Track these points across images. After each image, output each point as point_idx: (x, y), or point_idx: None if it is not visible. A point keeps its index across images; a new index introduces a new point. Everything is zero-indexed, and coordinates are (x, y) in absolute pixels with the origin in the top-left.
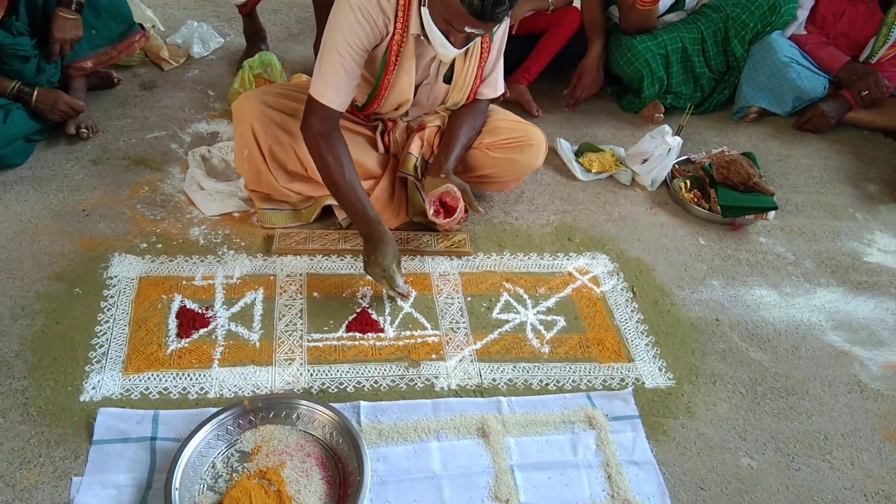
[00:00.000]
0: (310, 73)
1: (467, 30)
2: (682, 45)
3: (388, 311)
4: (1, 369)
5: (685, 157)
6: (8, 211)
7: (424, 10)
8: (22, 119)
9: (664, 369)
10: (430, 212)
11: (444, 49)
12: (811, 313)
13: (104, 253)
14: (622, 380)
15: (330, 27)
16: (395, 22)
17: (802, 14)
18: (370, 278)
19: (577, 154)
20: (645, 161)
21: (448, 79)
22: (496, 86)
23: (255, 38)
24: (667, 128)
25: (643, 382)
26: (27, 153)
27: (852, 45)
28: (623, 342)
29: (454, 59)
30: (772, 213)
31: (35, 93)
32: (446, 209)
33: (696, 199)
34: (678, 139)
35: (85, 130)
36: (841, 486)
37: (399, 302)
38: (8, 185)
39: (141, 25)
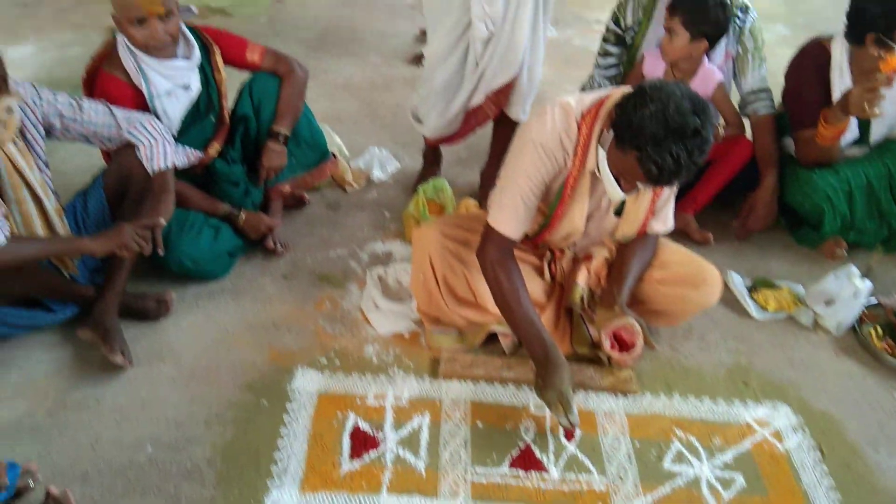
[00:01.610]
0: (475, 197)
1: (639, 185)
2: (868, 180)
3: (552, 449)
4: (194, 476)
5: (873, 299)
6: (210, 320)
7: (601, 150)
8: (229, 236)
9: None
10: (607, 345)
11: (613, 189)
12: None
13: (289, 365)
14: None
15: (512, 161)
16: (574, 157)
17: None
18: (534, 410)
19: (751, 289)
20: (829, 303)
21: (619, 212)
22: (667, 220)
23: (432, 164)
24: (853, 268)
25: None
26: (230, 266)
27: None
28: None
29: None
30: None
31: (243, 215)
32: (621, 343)
33: (889, 349)
34: (868, 283)
35: (280, 246)
36: None
37: (562, 440)
38: (212, 295)
39: (334, 154)
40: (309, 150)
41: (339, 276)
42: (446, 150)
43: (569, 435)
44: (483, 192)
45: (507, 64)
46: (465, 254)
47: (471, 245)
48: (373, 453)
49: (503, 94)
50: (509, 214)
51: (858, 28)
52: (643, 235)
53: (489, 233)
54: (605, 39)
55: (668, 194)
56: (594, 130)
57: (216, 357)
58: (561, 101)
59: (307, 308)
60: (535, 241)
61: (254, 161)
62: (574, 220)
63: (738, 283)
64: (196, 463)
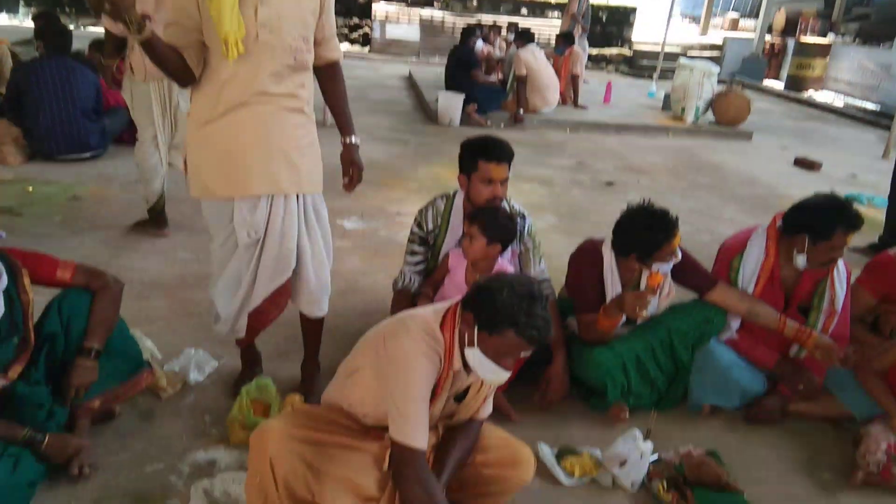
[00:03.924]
0: (300, 391)
1: (522, 355)
2: (636, 354)
3: None
4: None
5: (655, 455)
6: None
7: (471, 351)
8: (30, 465)
9: None
10: None
11: (496, 375)
12: None
13: None
14: None
15: (401, 376)
16: (444, 361)
17: (735, 323)
18: None
19: (559, 457)
20: (622, 464)
21: (459, 398)
22: (489, 406)
23: (251, 363)
24: (636, 431)
25: None
26: (29, 498)
27: (782, 342)
28: None
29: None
30: None
31: (46, 439)
32: None
33: (674, 501)
34: (649, 444)
35: (87, 469)
36: None
37: None
38: None
39: (147, 362)
40: (121, 361)
41: (158, 495)
42: (265, 344)
43: None
44: (306, 385)
45: (279, 271)
46: (311, 454)
47: (321, 444)
48: None
49: (282, 296)
50: (420, 426)
51: (623, 247)
52: (470, 421)
53: (404, 454)
54: (410, 241)
55: (492, 386)
56: (455, 334)
57: None
58: (416, 314)
59: None
60: (379, 431)
61: (59, 378)
62: (433, 414)
63: (548, 455)
64: None
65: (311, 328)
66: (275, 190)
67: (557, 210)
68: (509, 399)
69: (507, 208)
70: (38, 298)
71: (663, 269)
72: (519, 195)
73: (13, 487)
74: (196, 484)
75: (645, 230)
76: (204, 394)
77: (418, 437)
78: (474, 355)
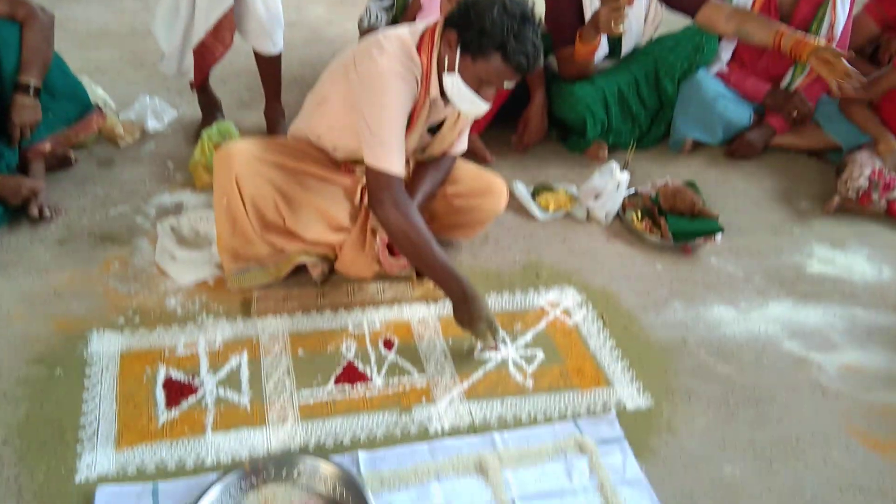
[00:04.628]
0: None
1: (506, 85)
2: (619, 88)
3: (373, 360)
4: None
5: (632, 189)
6: None
7: (450, 76)
8: None
9: (642, 390)
10: (377, 248)
11: (474, 106)
12: (767, 325)
13: (82, 332)
14: (604, 404)
15: (375, 99)
16: (421, 86)
17: (725, 54)
18: (353, 330)
19: (534, 195)
20: (597, 197)
21: (433, 130)
22: (464, 142)
23: (210, 108)
24: (614, 164)
25: (624, 405)
26: None
27: (772, 79)
28: (601, 368)
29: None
30: (719, 236)
31: None
32: (392, 252)
33: (648, 228)
34: (626, 174)
35: (48, 211)
36: (817, 483)
37: (486, 355)
38: None
39: (98, 106)
40: (67, 103)
41: (125, 234)
42: (226, 95)
43: (494, 347)
44: (270, 131)
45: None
46: (280, 179)
47: (291, 171)
48: (191, 399)
49: (226, 30)
50: (396, 152)
51: None
52: (442, 156)
53: (380, 179)
54: None
55: (468, 120)
56: (433, 57)
57: None
58: (389, 34)
59: (92, 271)
60: (349, 166)
61: (2, 119)
62: (410, 146)
63: (523, 191)
64: None
65: (268, 69)
66: None
67: None
68: (485, 143)
69: None
70: None
71: None
72: None
73: None
74: (163, 222)
75: None
76: (164, 141)
77: (395, 162)
78: (454, 82)
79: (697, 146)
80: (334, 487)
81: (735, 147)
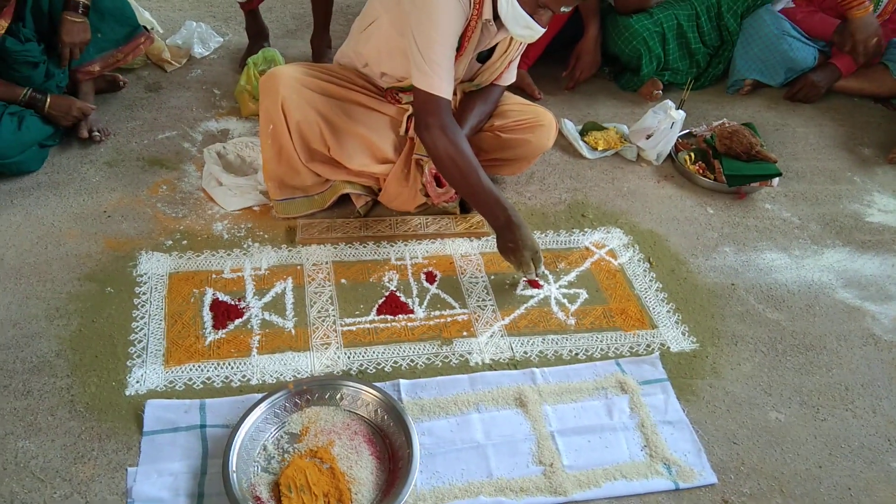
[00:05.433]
0: None
1: (563, 9)
2: (678, 22)
3: (415, 293)
4: (43, 369)
5: (686, 130)
6: (30, 216)
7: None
8: (36, 125)
9: (687, 333)
10: (424, 180)
11: (530, 31)
12: (821, 273)
13: (131, 252)
14: (648, 346)
15: (425, 19)
16: (472, 9)
17: None
18: (395, 262)
19: (582, 133)
20: (649, 136)
21: (482, 59)
22: (513, 73)
23: (257, 36)
24: (669, 103)
25: (668, 347)
26: (42, 158)
27: (840, 17)
28: (645, 310)
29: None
30: (776, 180)
31: (48, 99)
32: (440, 183)
33: (701, 171)
34: (681, 113)
35: (98, 133)
36: (865, 433)
37: (528, 291)
38: (26, 190)
39: (146, 28)
40: (115, 24)
41: (172, 159)
42: (272, 23)
43: (536, 284)
44: (317, 61)
45: None
46: (325, 107)
47: (337, 98)
48: (238, 321)
49: None
50: (445, 75)
51: None
52: (489, 87)
53: (428, 102)
54: None
55: (519, 48)
56: None
57: (44, 253)
58: None
59: (140, 194)
60: (396, 94)
61: (52, 39)
62: (459, 72)
63: (571, 129)
64: (43, 357)
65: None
66: None
67: None
68: (534, 79)
69: None
70: None
71: None
72: None
73: (22, 145)
74: (209, 147)
75: None
76: (210, 68)
77: (444, 85)
78: (509, 3)
79: (756, 88)
80: (376, 412)
81: (797, 88)
